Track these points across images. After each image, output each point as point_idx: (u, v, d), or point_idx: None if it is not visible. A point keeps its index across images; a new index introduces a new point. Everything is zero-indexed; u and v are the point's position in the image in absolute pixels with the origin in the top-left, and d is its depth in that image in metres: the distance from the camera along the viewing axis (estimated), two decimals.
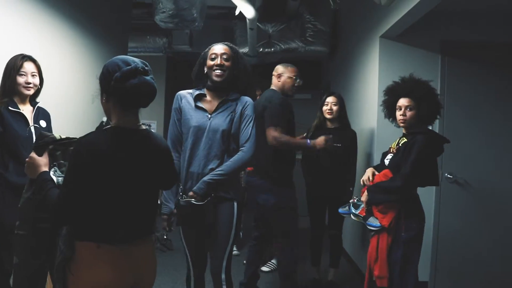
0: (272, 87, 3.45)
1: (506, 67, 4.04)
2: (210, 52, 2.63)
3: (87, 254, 1.68)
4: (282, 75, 3.45)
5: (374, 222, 2.80)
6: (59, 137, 1.93)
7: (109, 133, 1.74)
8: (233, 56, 2.62)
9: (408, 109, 2.83)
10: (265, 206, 3.30)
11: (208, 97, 2.64)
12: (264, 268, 4.49)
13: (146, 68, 1.75)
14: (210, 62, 2.61)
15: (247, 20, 4.83)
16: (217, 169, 2.55)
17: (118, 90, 1.69)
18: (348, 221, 4.38)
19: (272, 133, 3.10)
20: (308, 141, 3.16)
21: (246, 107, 2.66)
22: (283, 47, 5.72)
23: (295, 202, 3.34)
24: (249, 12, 4.52)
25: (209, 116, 2.59)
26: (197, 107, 2.62)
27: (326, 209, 4.01)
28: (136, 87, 1.69)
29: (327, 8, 5.65)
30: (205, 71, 2.63)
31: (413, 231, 2.73)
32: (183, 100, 2.65)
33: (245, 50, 5.79)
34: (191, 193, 2.51)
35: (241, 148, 2.63)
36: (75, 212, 1.66)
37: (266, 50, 5.77)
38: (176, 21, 4.71)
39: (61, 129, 2.94)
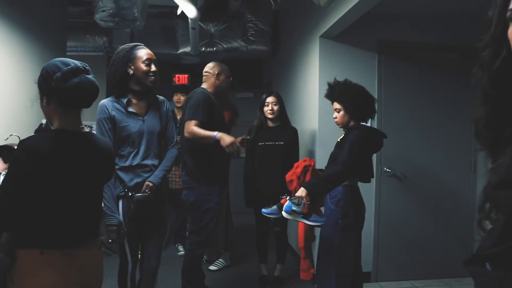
0: (202, 85, 3.50)
1: (438, 66, 4.26)
2: (142, 56, 2.62)
3: (30, 261, 1.64)
4: (205, 74, 3.51)
5: (317, 217, 2.87)
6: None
7: (52, 135, 1.72)
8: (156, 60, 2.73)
9: (336, 111, 2.98)
10: (186, 202, 3.36)
11: (133, 101, 2.67)
12: (212, 267, 4.49)
13: (86, 67, 1.75)
14: (144, 67, 2.61)
15: (189, 20, 4.80)
16: (163, 165, 2.73)
17: (59, 90, 1.67)
18: None
19: (187, 126, 3.14)
20: (215, 135, 3.03)
21: (168, 107, 2.84)
22: (225, 46, 5.72)
23: (215, 203, 3.31)
24: (191, 11, 4.48)
25: (143, 119, 2.67)
26: (129, 112, 2.63)
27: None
28: (78, 85, 1.69)
29: (269, 8, 5.70)
30: (131, 72, 2.61)
31: (350, 218, 2.85)
32: (112, 109, 2.60)
33: (187, 49, 5.76)
34: (149, 184, 2.59)
35: (175, 146, 2.85)
36: (14, 218, 1.61)
37: (208, 49, 5.75)
38: (116, 20, 4.58)
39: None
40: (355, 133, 2.85)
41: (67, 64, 1.71)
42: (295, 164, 3.37)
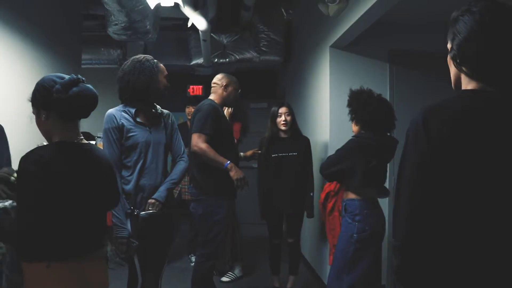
0: (210, 97, 3.46)
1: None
2: (163, 70, 2.72)
3: (36, 275, 1.65)
4: (213, 86, 3.47)
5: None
6: (13, 180, 1.87)
7: (54, 147, 1.74)
8: None
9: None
10: (194, 215, 3.31)
11: (140, 112, 2.68)
12: (224, 279, 4.48)
13: (83, 78, 1.79)
14: (166, 82, 2.71)
15: (200, 32, 4.84)
16: (169, 178, 2.72)
17: (61, 101, 1.69)
18: (306, 228, 4.42)
19: (195, 139, 3.11)
20: (227, 163, 3.08)
21: (173, 120, 2.87)
22: (237, 57, 5.75)
23: (223, 215, 3.23)
24: (201, 24, 4.52)
25: (149, 130, 2.67)
26: (137, 122, 2.64)
27: (284, 218, 4.01)
28: (79, 94, 1.72)
29: (281, 19, 5.72)
30: (155, 86, 2.64)
31: (366, 233, 2.82)
32: (121, 119, 2.60)
33: (199, 61, 5.81)
34: (152, 201, 2.57)
35: (182, 158, 2.84)
36: (40, 230, 1.62)
37: (221, 60, 5.78)
38: (129, 33, 4.66)
39: (17, 146, 2.90)
40: (349, 142, 2.92)
41: (62, 78, 1.75)
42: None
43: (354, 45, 3.99)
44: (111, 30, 4.67)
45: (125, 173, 2.61)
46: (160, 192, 2.61)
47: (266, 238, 4.13)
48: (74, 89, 1.70)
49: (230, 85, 3.44)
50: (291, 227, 3.98)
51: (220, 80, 3.44)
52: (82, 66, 5.13)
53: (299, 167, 3.89)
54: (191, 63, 5.91)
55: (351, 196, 2.91)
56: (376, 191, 2.98)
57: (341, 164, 2.91)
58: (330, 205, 3.33)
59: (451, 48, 1.38)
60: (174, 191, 3.56)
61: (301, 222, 3.98)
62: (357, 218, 2.83)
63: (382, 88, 3.93)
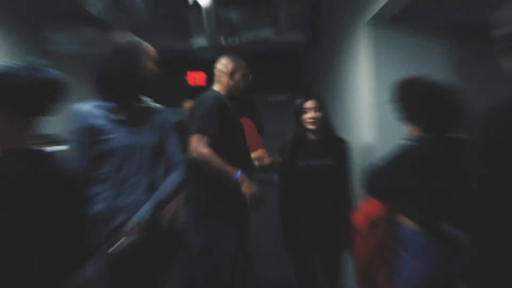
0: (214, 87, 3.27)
1: None
2: (152, 53, 2.57)
3: None
4: (217, 73, 3.31)
5: None
6: None
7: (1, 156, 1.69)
8: None
9: None
10: (191, 249, 3.02)
11: (121, 107, 2.50)
12: None
13: (46, 64, 1.75)
14: (154, 67, 2.56)
15: (203, 9, 4.79)
16: (158, 193, 2.57)
17: (16, 88, 1.65)
18: (349, 266, 4.04)
19: (195, 143, 2.87)
20: (238, 174, 2.88)
21: (166, 117, 2.72)
22: (251, 37, 5.58)
23: (230, 248, 3.03)
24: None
25: (132, 130, 2.50)
26: (116, 121, 2.46)
27: (315, 253, 3.57)
28: (41, 79, 1.69)
29: None
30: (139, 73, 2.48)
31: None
32: (92, 117, 2.42)
33: (202, 42, 5.70)
34: (129, 228, 2.39)
35: (178, 168, 2.71)
36: None
37: (229, 42, 5.64)
38: (114, 10, 4.77)
39: None
40: (402, 149, 2.69)
41: (17, 64, 1.65)
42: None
43: (403, 18, 3.57)
44: (92, 7, 4.55)
45: (97, 189, 2.41)
46: (143, 211, 2.44)
47: (291, 282, 3.68)
48: (34, 74, 1.64)
49: (238, 71, 3.25)
50: (327, 265, 3.56)
51: (225, 66, 3.25)
52: (55, 51, 5.05)
53: (336, 180, 3.50)
54: (192, 46, 5.77)
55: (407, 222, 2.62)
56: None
57: (393, 182, 2.70)
58: (375, 237, 2.85)
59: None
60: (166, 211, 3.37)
61: (341, 258, 3.55)
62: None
63: (443, 75, 3.56)
